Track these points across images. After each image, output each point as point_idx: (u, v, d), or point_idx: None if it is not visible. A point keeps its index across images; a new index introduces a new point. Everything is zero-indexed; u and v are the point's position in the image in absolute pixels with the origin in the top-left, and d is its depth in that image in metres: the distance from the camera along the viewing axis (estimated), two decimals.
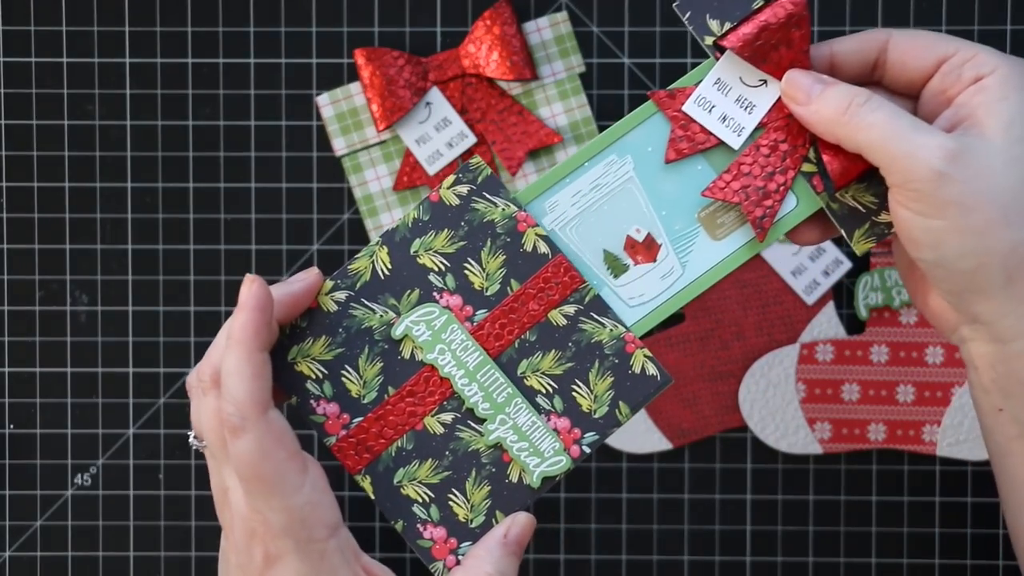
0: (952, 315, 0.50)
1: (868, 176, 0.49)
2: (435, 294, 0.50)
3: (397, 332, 0.50)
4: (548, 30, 0.69)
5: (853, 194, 0.50)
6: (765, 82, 0.50)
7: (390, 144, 0.69)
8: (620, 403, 0.50)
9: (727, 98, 0.50)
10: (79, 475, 0.70)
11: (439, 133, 0.69)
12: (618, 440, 0.69)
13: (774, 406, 0.69)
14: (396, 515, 0.50)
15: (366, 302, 0.50)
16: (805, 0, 0.49)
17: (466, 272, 0.50)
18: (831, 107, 0.48)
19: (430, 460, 0.50)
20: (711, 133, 0.50)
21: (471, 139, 0.69)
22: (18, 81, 0.69)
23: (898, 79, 0.51)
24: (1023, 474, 0.49)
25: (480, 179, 0.50)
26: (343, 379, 0.50)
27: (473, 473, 0.50)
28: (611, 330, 0.50)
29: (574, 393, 0.50)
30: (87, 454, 0.70)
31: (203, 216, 0.70)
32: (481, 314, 0.50)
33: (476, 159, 0.51)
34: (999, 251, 0.46)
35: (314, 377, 0.50)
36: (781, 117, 0.50)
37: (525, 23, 0.68)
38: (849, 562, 0.69)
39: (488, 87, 0.69)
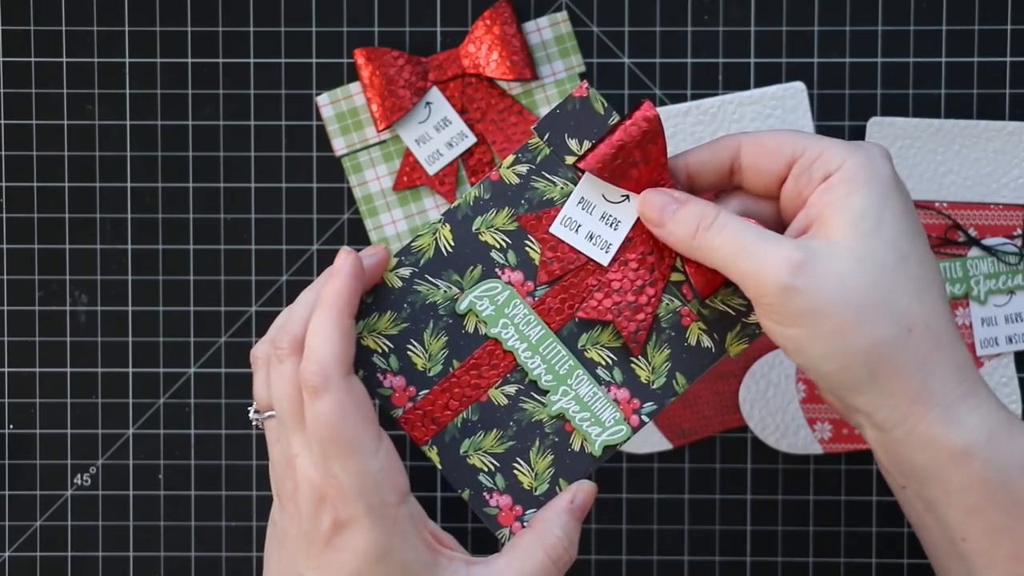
0: (839, 406, 0.51)
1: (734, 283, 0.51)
2: (497, 270, 0.52)
3: (461, 307, 0.52)
4: (548, 30, 0.69)
5: (722, 299, 0.51)
6: (627, 197, 0.51)
7: (390, 144, 0.69)
8: (677, 374, 0.52)
9: (592, 216, 0.52)
10: (79, 475, 0.70)
11: (439, 133, 0.69)
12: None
13: (774, 406, 0.69)
14: (463, 484, 0.52)
15: (430, 278, 0.52)
16: (657, 115, 0.50)
17: (527, 249, 0.52)
18: (681, 230, 0.49)
19: (495, 431, 0.52)
20: (580, 252, 0.52)
21: (471, 139, 0.69)
22: (18, 81, 0.69)
23: (755, 183, 0.52)
24: (939, 541, 0.50)
25: (539, 159, 0.52)
26: (409, 353, 0.52)
27: (537, 443, 0.52)
28: (667, 304, 0.51)
29: (633, 365, 0.52)
30: (87, 454, 0.70)
31: (203, 216, 0.70)
32: (542, 289, 0.52)
33: (535, 139, 0.52)
34: (858, 351, 0.47)
35: (380, 351, 0.52)
36: (646, 231, 0.51)
37: (525, 23, 0.68)
38: (849, 562, 0.69)
39: (488, 87, 0.69)
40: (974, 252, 0.68)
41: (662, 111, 0.68)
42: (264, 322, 0.70)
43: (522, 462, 0.52)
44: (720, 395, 0.69)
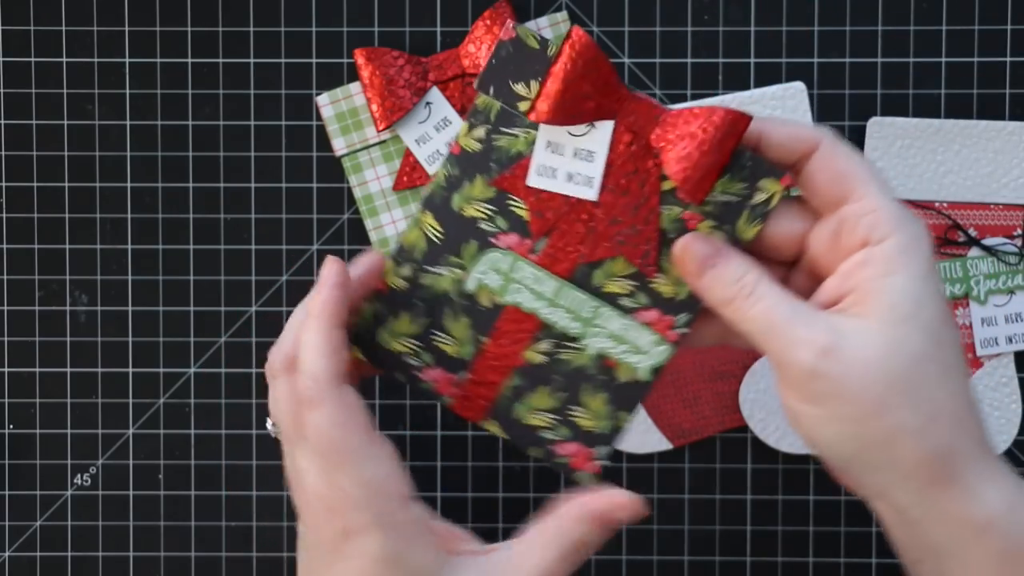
0: (848, 480, 0.50)
1: (729, 167, 0.49)
2: (491, 239, 0.51)
3: (470, 287, 0.52)
4: (548, 30, 0.69)
5: (721, 189, 0.50)
6: (592, 125, 0.50)
7: (390, 144, 0.69)
8: None
9: (564, 156, 0.51)
10: (79, 475, 0.70)
11: (439, 133, 0.69)
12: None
13: (774, 406, 0.69)
14: (530, 444, 0.52)
15: (431, 269, 0.52)
16: (588, 39, 0.48)
17: (513, 209, 0.51)
18: (719, 293, 0.48)
19: (542, 387, 0.52)
20: (565, 195, 0.51)
21: None
22: (18, 81, 0.69)
23: (805, 188, 0.50)
24: None
25: (493, 116, 0.51)
26: (437, 344, 0.52)
27: (586, 386, 0.52)
28: (667, 214, 0.51)
29: (653, 285, 0.51)
30: (87, 454, 0.70)
31: (203, 216, 0.70)
32: (541, 243, 0.51)
33: (481, 98, 0.51)
34: (876, 439, 0.46)
35: (410, 351, 0.52)
36: (623, 151, 0.50)
37: (525, 23, 0.68)
38: (849, 562, 0.69)
39: None
40: (974, 252, 0.68)
41: None
42: (264, 322, 0.70)
43: (578, 407, 0.52)
44: (720, 395, 0.69)
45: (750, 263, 0.49)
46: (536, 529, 0.50)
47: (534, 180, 0.51)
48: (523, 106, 0.50)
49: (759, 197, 0.50)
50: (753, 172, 0.49)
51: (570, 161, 0.50)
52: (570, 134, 0.50)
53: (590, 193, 0.50)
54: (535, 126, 0.50)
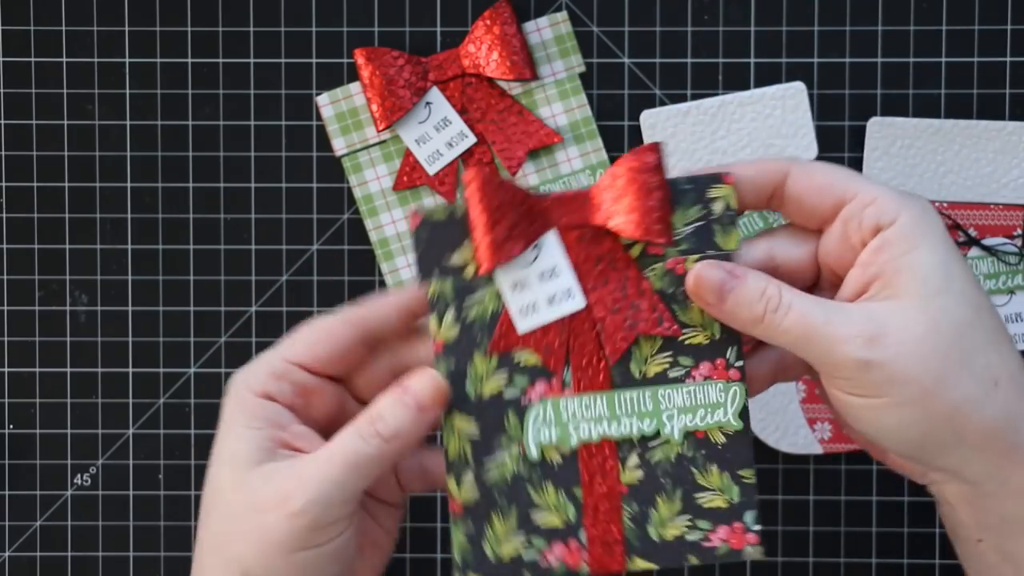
0: (915, 466, 0.49)
1: (676, 200, 0.48)
2: (523, 401, 0.50)
3: (534, 454, 0.49)
4: (548, 30, 0.69)
5: (682, 222, 0.49)
6: (535, 246, 0.49)
7: (390, 144, 0.69)
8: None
9: (533, 286, 0.49)
10: (79, 475, 0.70)
11: (439, 133, 0.69)
12: None
13: (774, 406, 0.68)
14: (684, 555, 0.50)
15: (489, 462, 0.50)
16: (481, 168, 0.48)
17: (521, 361, 0.50)
18: (746, 313, 0.47)
19: (658, 498, 0.50)
20: (557, 319, 0.49)
21: (471, 139, 0.69)
22: (18, 81, 0.69)
23: (796, 215, 0.50)
24: None
25: (450, 296, 0.49)
26: (540, 524, 0.50)
27: (693, 470, 0.50)
28: (653, 273, 0.49)
29: (687, 341, 0.49)
30: (87, 454, 0.70)
31: (203, 216, 0.70)
32: (567, 374, 0.49)
33: (430, 288, 0.49)
34: (942, 416, 0.45)
35: (522, 546, 0.49)
36: (579, 250, 0.49)
37: (525, 23, 0.68)
38: (849, 562, 0.69)
39: (488, 87, 0.69)
40: (974, 252, 0.68)
41: (662, 111, 0.68)
42: (264, 322, 0.70)
43: (701, 493, 0.50)
44: None
45: (766, 275, 0.48)
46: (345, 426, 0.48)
47: (523, 325, 0.49)
48: (469, 271, 0.49)
49: (718, 207, 0.49)
50: (698, 190, 0.49)
51: (541, 286, 0.49)
52: (524, 265, 0.49)
53: (577, 302, 0.49)
54: (490, 279, 0.49)
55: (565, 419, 0.49)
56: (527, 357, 0.50)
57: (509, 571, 0.49)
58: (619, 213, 0.48)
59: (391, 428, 0.47)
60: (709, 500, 0.50)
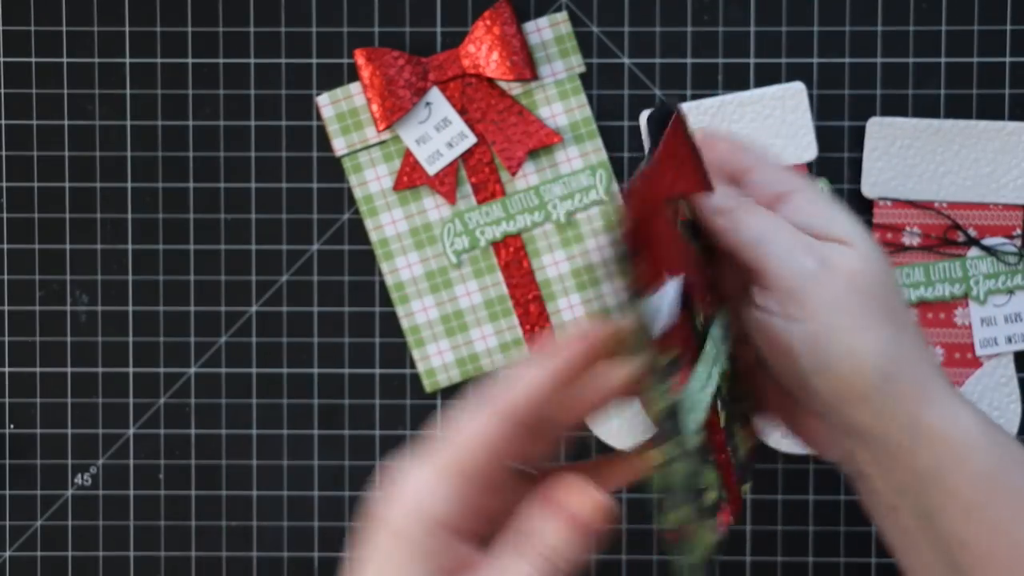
0: (829, 433, 0.50)
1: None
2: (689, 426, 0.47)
3: (692, 444, 0.46)
4: (548, 30, 0.69)
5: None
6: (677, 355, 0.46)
7: (390, 144, 0.69)
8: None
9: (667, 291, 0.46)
10: (79, 475, 0.70)
11: (439, 133, 0.69)
12: (618, 440, 0.69)
13: None
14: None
15: (679, 496, 0.46)
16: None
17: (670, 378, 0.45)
18: (715, 200, 0.48)
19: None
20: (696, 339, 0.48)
21: (471, 139, 0.69)
22: (18, 81, 0.70)
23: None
24: (931, 561, 0.48)
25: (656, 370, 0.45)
26: (708, 504, 0.48)
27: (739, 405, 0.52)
28: (696, 246, 0.49)
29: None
30: (87, 454, 0.70)
31: (203, 216, 0.70)
32: (669, 361, 0.45)
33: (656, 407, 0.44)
34: (873, 350, 0.46)
35: (710, 547, 0.48)
36: (669, 229, 0.46)
37: (525, 23, 0.68)
38: (849, 562, 0.69)
39: (488, 87, 0.69)
40: (974, 252, 0.68)
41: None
42: (264, 322, 0.70)
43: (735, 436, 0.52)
44: None
45: (736, 190, 0.49)
46: (499, 552, 0.42)
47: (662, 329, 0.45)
48: (663, 359, 0.44)
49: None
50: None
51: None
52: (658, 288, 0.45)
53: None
54: (675, 364, 0.45)
55: (703, 397, 0.47)
56: (671, 362, 0.45)
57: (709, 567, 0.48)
58: (676, 170, 0.47)
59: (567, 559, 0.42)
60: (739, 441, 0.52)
